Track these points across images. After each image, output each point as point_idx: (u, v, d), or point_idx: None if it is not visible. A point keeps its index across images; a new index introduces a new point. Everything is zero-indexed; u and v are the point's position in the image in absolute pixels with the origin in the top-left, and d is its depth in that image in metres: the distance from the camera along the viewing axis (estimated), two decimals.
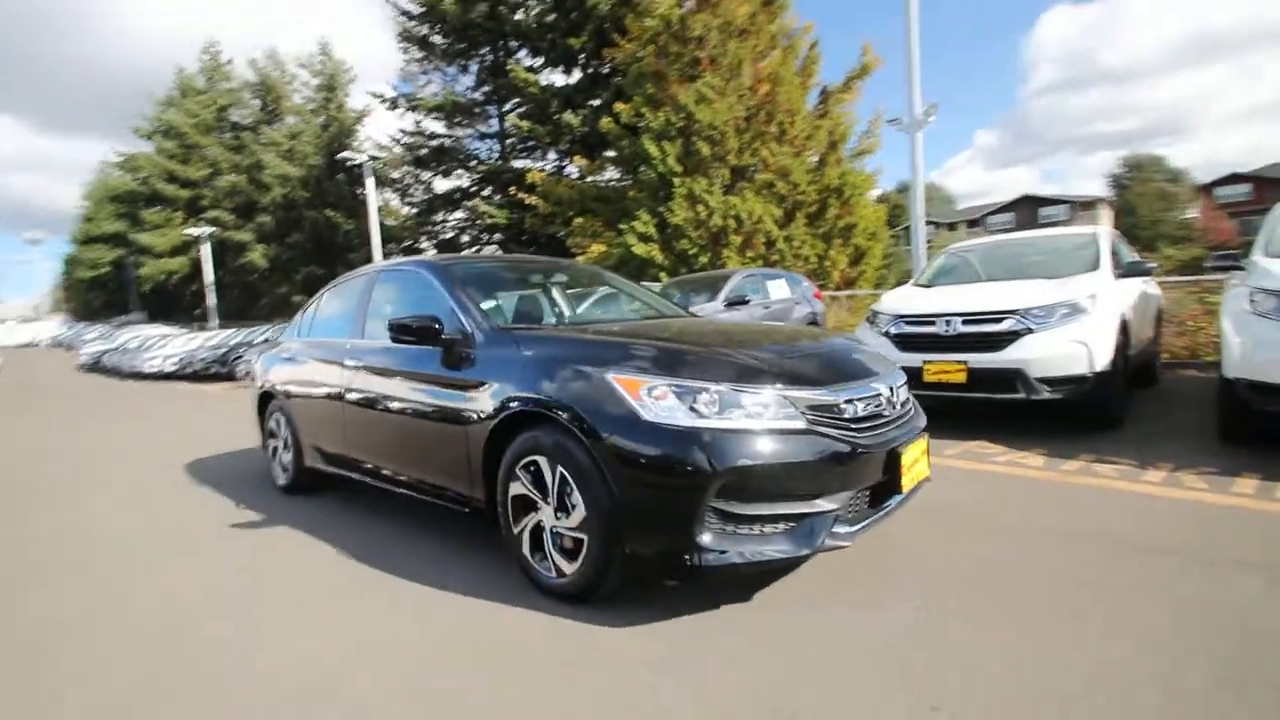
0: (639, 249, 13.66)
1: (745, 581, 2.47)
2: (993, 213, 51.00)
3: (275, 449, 4.47)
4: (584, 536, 2.31)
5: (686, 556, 2.10)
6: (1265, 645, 1.90)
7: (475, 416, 2.69)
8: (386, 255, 22.37)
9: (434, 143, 22.46)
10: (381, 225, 21.13)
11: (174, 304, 34.67)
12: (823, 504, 2.18)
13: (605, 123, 16.07)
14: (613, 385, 2.24)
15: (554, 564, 2.44)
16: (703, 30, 14.36)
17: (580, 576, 2.34)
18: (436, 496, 3.05)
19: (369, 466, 3.50)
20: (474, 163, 22.85)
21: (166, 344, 20.62)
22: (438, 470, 2.98)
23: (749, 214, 12.96)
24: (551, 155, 20.35)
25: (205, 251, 28.00)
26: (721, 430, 2.11)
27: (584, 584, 2.35)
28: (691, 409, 2.15)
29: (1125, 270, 5.47)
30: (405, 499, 3.30)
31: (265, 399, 4.56)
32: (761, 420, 2.15)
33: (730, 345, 2.55)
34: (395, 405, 3.18)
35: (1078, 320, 4.60)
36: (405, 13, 22.62)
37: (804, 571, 2.57)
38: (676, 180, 13.61)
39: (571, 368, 2.41)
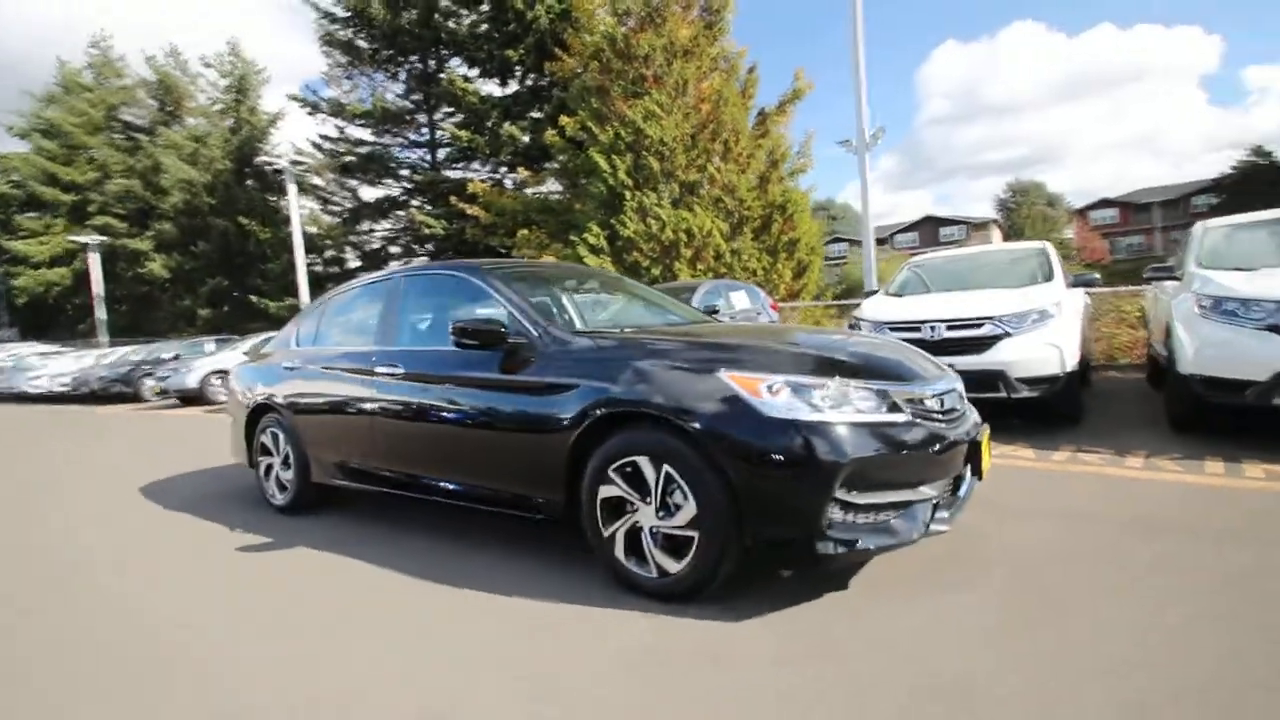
0: (591, 260, 13.68)
1: (836, 572, 2.57)
2: (898, 232, 54.64)
3: (269, 467, 4.17)
4: (694, 534, 2.33)
5: (815, 545, 2.17)
6: None
7: (556, 420, 2.65)
8: (310, 266, 21.23)
9: (362, 150, 21.59)
10: (304, 234, 20.05)
11: (51, 319, 31.15)
12: (926, 491, 2.32)
13: (550, 135, 16.08)
14: (729, 384, 2.30)
15: (655, 564, 2.45)
16: (648, 49, 14.70)
17: (689, 573, 2.36)
18: (498, 504, 2.97)
19: (405, 477, 3.35)
20: (405, 171, 22.15)
21: (48, 363, 18.60)
22: (504, 476, 2.90)
23: (700, 228, 13.31)
24: (489, 167, 20.03)
25: (94, 261, 25.44)
26: (843, 423, 2.21)
27: (693, 581, 2.36)
28: (809, 404, 2.23)
29: (1072, 281, 6.08)
30: (433, 510, 3.19)
31: (256, 415, 4.26)
32: (873, 414, 2.27)
33: (817, 345, 2.67)
34: (448, 412, 3.08)
35: (1048, 325, 5.07)
36: (328, 15, 21.75)
37: (882, 559, 2.70)
38: (627, 194, 13.78)
39: (673, 369, 2.44)
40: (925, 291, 6.42)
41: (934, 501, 2.34)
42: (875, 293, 7.14)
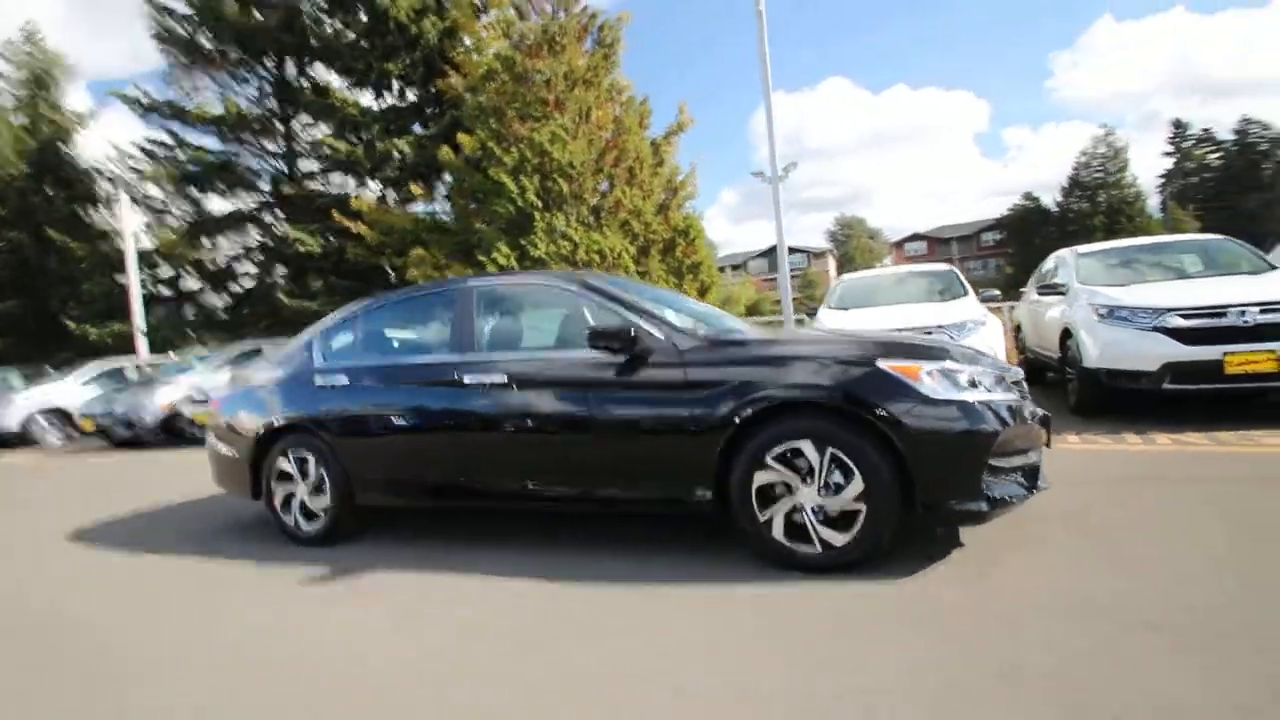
0: (409, 286, 13.46)
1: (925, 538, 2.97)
2: (753, 258, 59.20)
3: (290, 496, 3.77)
4: (861, 507, 2.61)
5: (976, 505, 2.54)
6: None
7: (709, 417, 2.80)
8: (144, 285, 18.51)
9: (209, 158, 19.29)
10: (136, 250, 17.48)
11: None
12: (1033, 456, 2.81)
13: (444, 153, 15.60)
14: (891, 372, 2.62)
15: (819, 540, 2.68)
16: (550, 74, 14.92)
17: (856, 544, 2.63)
18: (638, 506, 3.03)
19: (505, 488, 3.26)
20: (264, 184, 20.13)
21: None
22: (648, 477, 2.97)
23: (611, 249, 13.64)
24: (370, 182, 18.83)
25: None
26: (986, 401, 2.62)
27: (860, 551, 2.63)
28: (958, 386, 2.62)
29: (980, 297, 7.26)
30: (470, 520, 3.16)
31: (268, 441, 3.83)
32: (1001, 392, 2.72)
33: (923, 340, 3.09)
34: (575, 418, 3.08)
35: (980, 332, 6.04)
36: (165, 9, 19.38)
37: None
38: (537, 215, 13.78)
39: (831, 363, 2.72)
40: (863, 305, 7.28)
41: (1039, 463, 2.83)
42: (816, 309, 7.94)
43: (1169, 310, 5.09)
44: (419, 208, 18.27)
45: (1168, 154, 50.61)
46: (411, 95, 19.25)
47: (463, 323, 3.48)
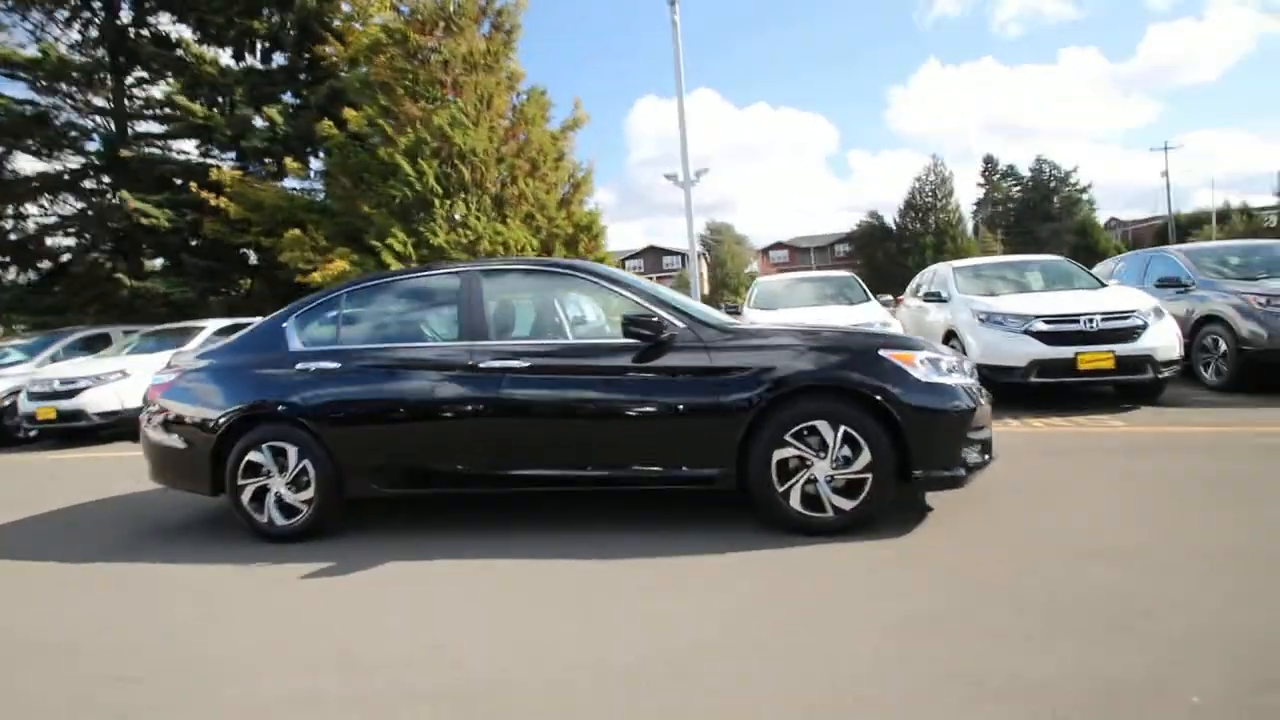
0: (398, 269, 12.76)
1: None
2: (628, 258, 60.29)
3: (261, 490, 3.50)
4: (868, 476, 3.01)
5: (957, 472, 3.04)
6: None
7: (735, 399, 3.06)
8: None
9: (19, 110, 16.23)
10: None
11: None
12: (988, 430, 3.38)
13: (325, 126, 14.45)
14: (892, 359, 3.04)
15: (831, 505, 3.04)
16: (448, 55, 14.37)
17: (862, 508, 3.03)
18: (663, 483, 3.20)
19: (527, 471, 3.30)
20: (90, 145, 17.31)
21: None
22: (676, 456, 3.17)
23: (515, 241, 13.45)
24: (231, 153, 16.82)
25: None
26: (964, 384, 3.13)
27: (864, 514, 3.03)
28: (940, 371, 3.11)
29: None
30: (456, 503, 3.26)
31: (235, 432, 3.52)
32: (969, 376, 3.24)
33: (896, 331, 3.56)
34: (602, 401, 3.20)
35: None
36: None
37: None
38: (437, 201, 13.23)
39: (842, 351, 3.09)
40: (780, 306, 7.94)
41: (991, 437, 3.42)
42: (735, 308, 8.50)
43: (1035, 316, 6.17)
44: (291, 183, 16.71)
45: (980, 185, 58.96)
46: (280, 59, 17.52)
47: (473, 307, 3.44)
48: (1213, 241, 8.98)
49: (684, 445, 3.17)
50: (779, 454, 3.06)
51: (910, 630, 2.17)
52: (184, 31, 16.90)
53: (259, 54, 17.59)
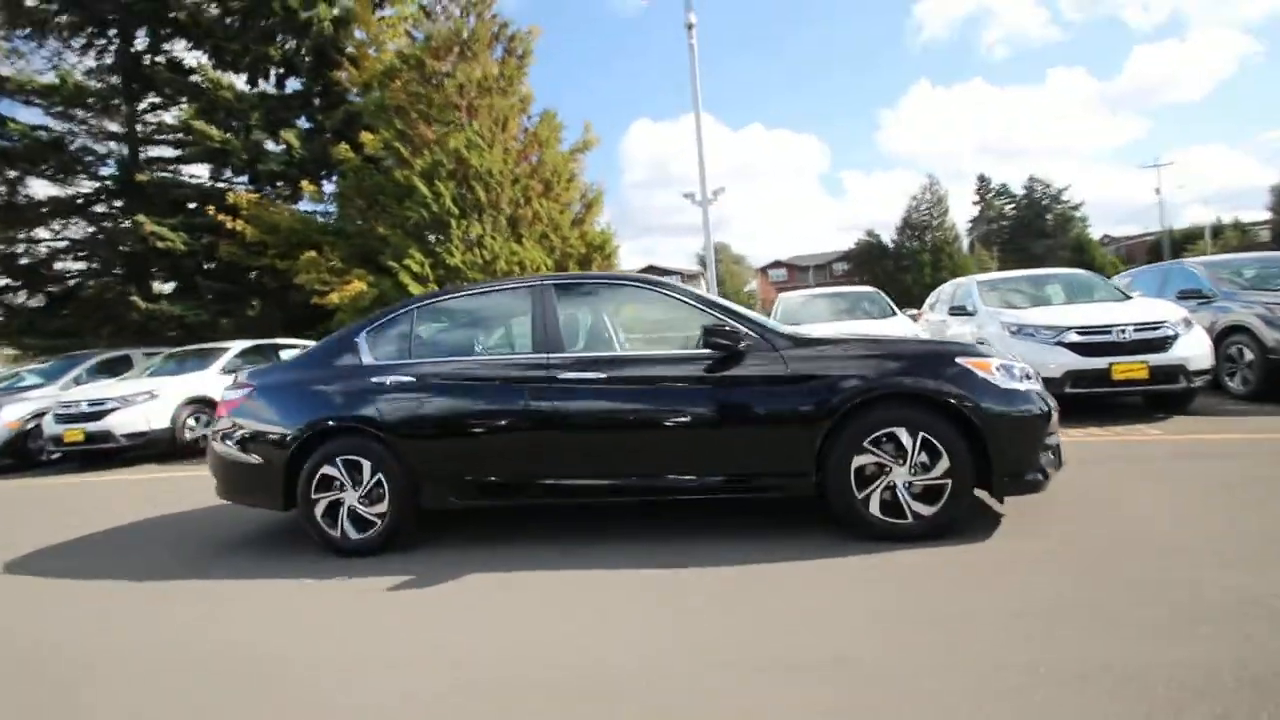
0: (415, 289, 12.84)
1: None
2: None
3: (335, 504, 3.52)
4: (947, 482, 3.05)
5: (1035, 476, 3.08)
6: None
7: (815, 408, 3.11)
8: None
9: (36, 134, 16.40)
10: None
11: None
12: (1057, 436, 3.43)
13: (341, 150, 14.63)
14: (970, 368, 3.10)
15: (910, 512, 3.08)
16: (464, 79, 14.62)
17: (942, 514, 3.06)
18: (737, 490, 3.24)
19: (603, 482, 3.34)
20: (104, 168, 17.46)
21: None
22: (759, 463, 3.21)
23: (530, 261, 13.56)
24: (244, 177, 16.98)
25: None
26: (1035, 390, 3.19)
27: (945, 520, 3.07)
28: (1014, 377, 3.17)
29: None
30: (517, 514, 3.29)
31: (309, 446, 3.55)
32: (1037, 383, 3.30)
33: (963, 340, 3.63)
34: (685, 411, 3.25)
35: None
36: None
37: None
38: (454, 222, 13.37)
39: (919, 360, 3.16)
40: (807, 320, 8.03)
41: (1059, 442, 3.47)
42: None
43: (1068, 328, 6.26)
44: (306, 206, 16.85)
45: (975, 203, 59.77)
46: (295, 84, 17.78)
47: (547, 320, 3.50)
48: (1226, 255, 9.07)
49: (763, 453, 3.21)
50: (858, 460, 3.11)
51: (1031, 622, 2.20)
52: (199, 58, 17.19)
53: (274, 79, 17.85)
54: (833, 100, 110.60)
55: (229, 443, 3.76)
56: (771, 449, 3.20)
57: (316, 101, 17.52)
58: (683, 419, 3.26)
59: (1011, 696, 1.80)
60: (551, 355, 3.43)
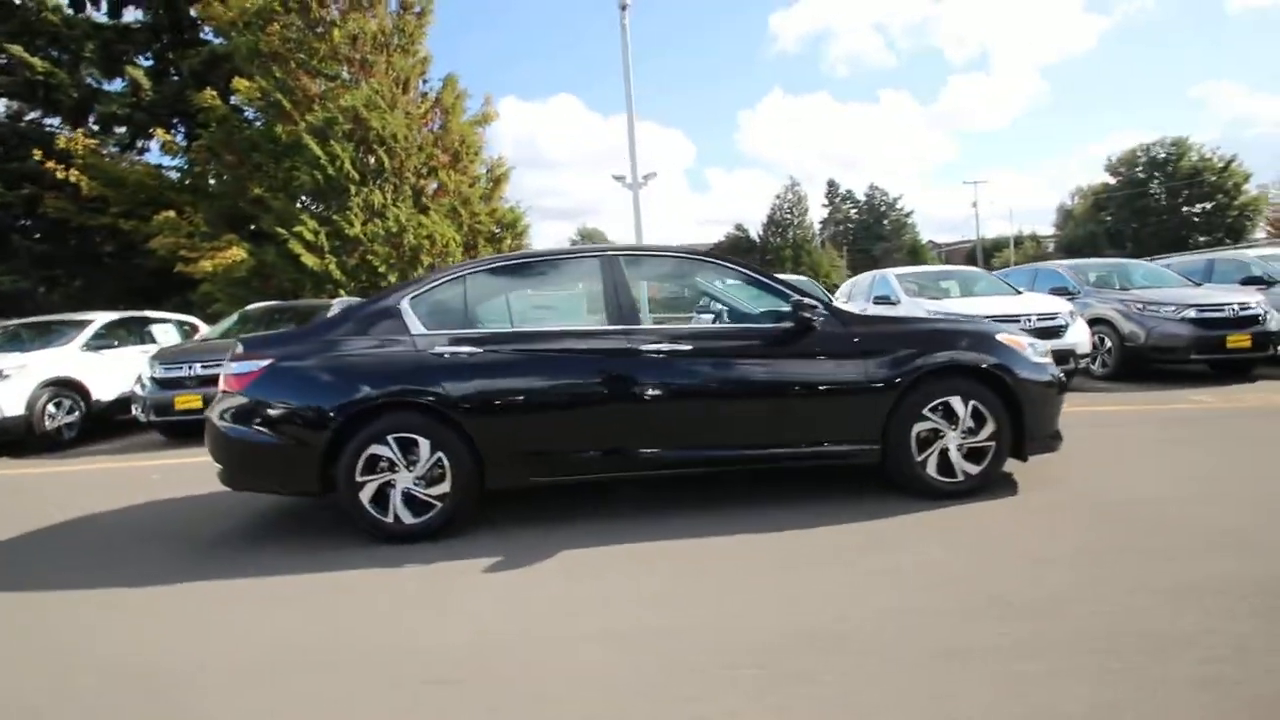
0: (309, 260, 11.60)
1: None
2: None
3: (386, 486, 3.20)
4: (991, 444, 3.45)
5: (1056, 438, 3.58)
6: None
7: (883, 380, 3.36)
8: None
9: None
10: None
11: None
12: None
13: (206, 96, 12.78)
14: (1008, 344, 3.51)
15: (961, 471, 3.45)
16: (356, 30, 13.33)
17: (986, 473, 3.45)
18: (809, 459, 3.40)
19: (678, 453, 3.34)
20: None
21: None
22: (831, 433, 3.37)
23: (440, 235, 12.79)
24: (72, 119, 14.09)
25: None
26: (1052, 365, 3.69)
27: (987, 478, 3.47)
28: (1039, 353, 3.64)
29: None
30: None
31: (354, 424, 3.19)
32: (1049, 355, 3.81)
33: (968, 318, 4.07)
34: (767, 383, 3.34)
35: None
36: None
37: None
38: (353, 188, 12.22)
39: (971, 336, 3.50)
40: None
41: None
42: None
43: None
44: (158, 161, 14.49)
45: (825, 206, 65.24)
46: (135, 14, 15.11)
47: (620, 292, 3.41)
48: (1081, 259, 10.85)
49: (837, 422, 3.40)
50: (918, 427, 3.41)
51: (1083, 561, 2.58)
52: None
53: (105, 6, 15.04)
54: (698, 100, 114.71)
55: (245, 423, 3.25)
56: (846, 418, 3.40)
57: (165, 38, 15.05)
58: (760, 391, 3.36)
59: (1123, 602, 2.12)
60: (631, 327, 3.36)
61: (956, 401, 3.40)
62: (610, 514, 3.52)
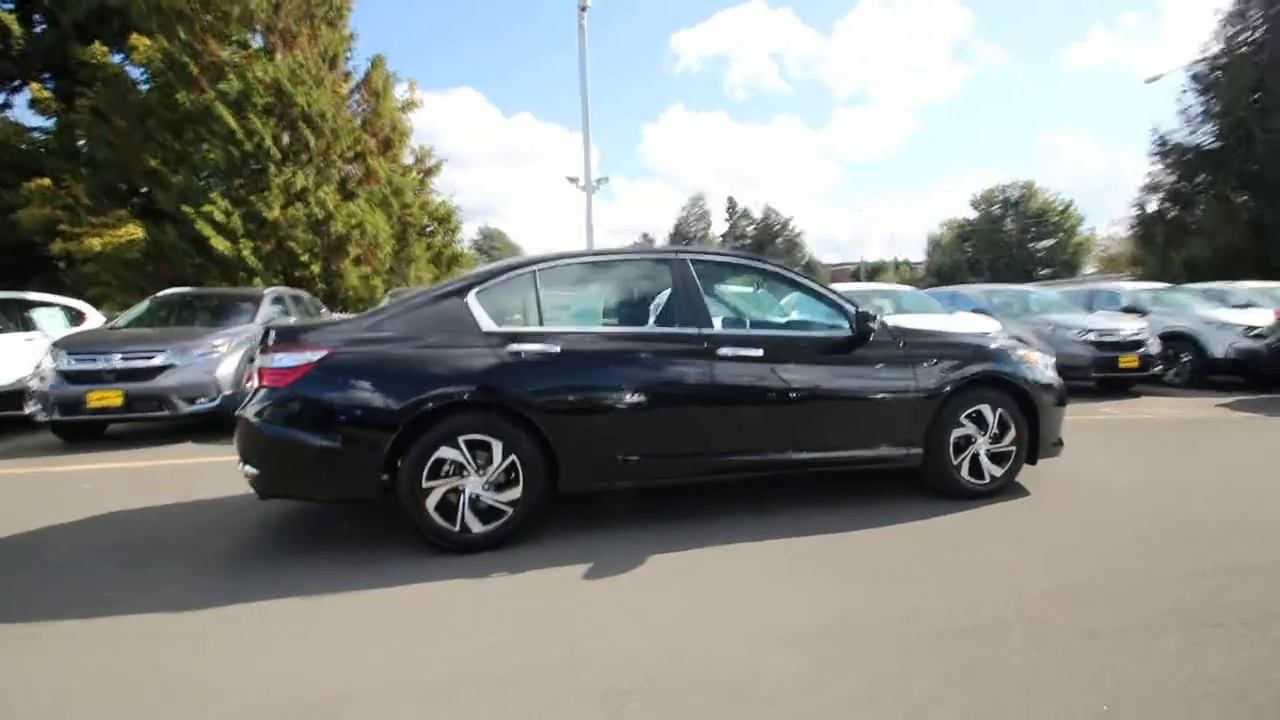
0: (219, 244, 10.45)
1: None
2: None
3: (454, 492, 2.98)
4: (1014, 449, 3.80)
5: (1060, 444, 3.99)
6: None
7: (925, 387, 3.61)
8: None
9: None
10: None
11: None
12: None
13: (96, 51, 11.21)
14: (1027, 358, 3.88)
15: (988, 474, 3.76)
16: None
17: (1009, 475, 3.79)
18: (863, 463, 3.57)
19: (745, 457, 3.38)
20: None
21: None
22: (882, 438, 3.55)
23: (372, 225, 11.99)
24: None
25: None
26: (1057, 377, 4.11)
27: (1008, 480, 3.81)
28: (1047, 367, 4.05)
29: None
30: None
31: (420, 426, 2.96)
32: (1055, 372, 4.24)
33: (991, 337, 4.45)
34: (827, 389, 3.44)
35: None
36: None
37: None
38: (273, 167, 11.17)
39: (1001, 350, 3.84)
40: None
41: None
42: None
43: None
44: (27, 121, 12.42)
45: (725, 220, 67.99)
46: None
47: (692, 294, 3.40)
48: (987, 285, 12.08)
49: (890, 427, 3.60)
50: (955, 433, 3.70)
51: (1125, 548, 2.95)
52: None
53: None
54: (605, 105, 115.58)
55: (294, 422, 2.90)
56: (898, 424, 3.61)
57: None
58: (824, 396, 3.49)
59: (1191, 581, 2.44)
60: (704, 330, 3.37)
61: (986, 409, 3.70)
62: (632, 520, 3.47)
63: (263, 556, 3.06)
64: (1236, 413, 6.80)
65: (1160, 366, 8.51)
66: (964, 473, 3.67)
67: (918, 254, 57.26)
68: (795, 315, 4.22)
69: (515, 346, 3.10)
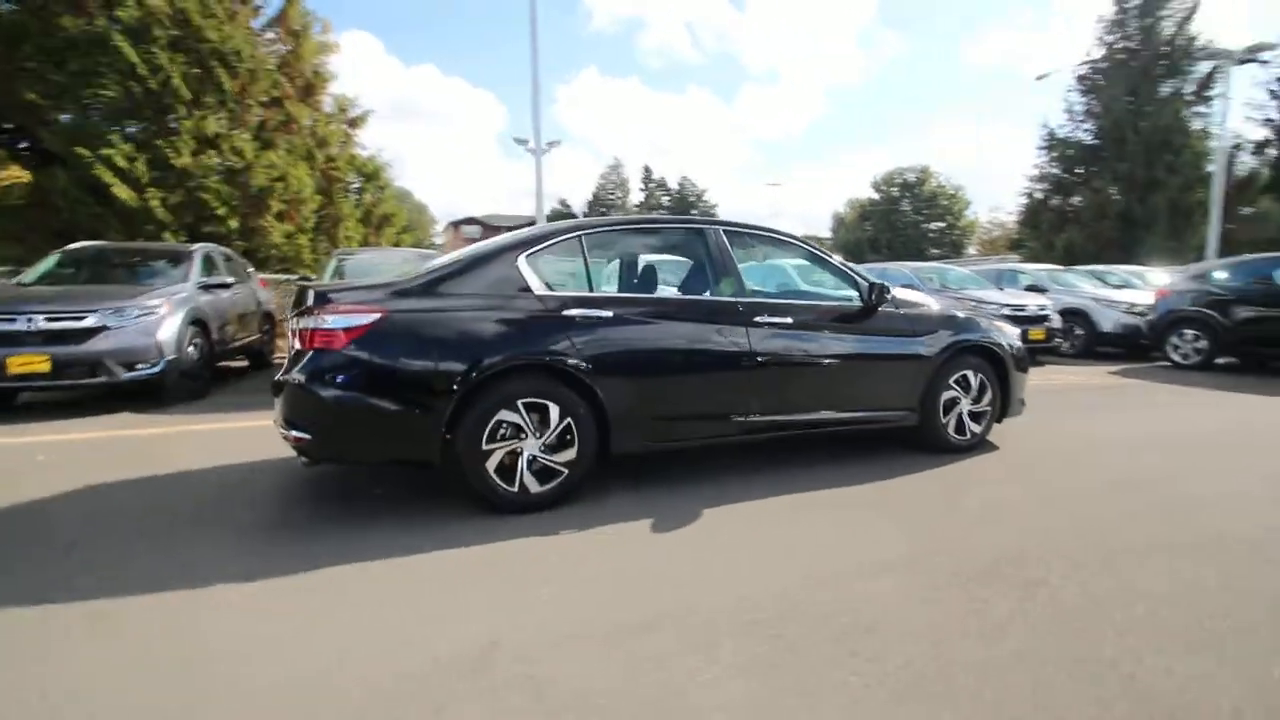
0: (122, 193, 9.34)
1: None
2: None
3: (513, 454, 3.01)
4: (988, 409, 4.28)
5: (1023, 403, 4.52)
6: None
7: (925, 354, 3.98)
8: None
9: None
10: None
11: None
12: None
13: None
14: (1002, 329, 4.35)
15: (969, 431, 4.23)
16: None
17: (985, 432, 4.27)
18: (868, 424, 3.90)
19: (774, 419, 3.61)
20: None
21: None
22: (889, 401, 3.90)
23: (294, 177, 11.11)
24: None
25: None
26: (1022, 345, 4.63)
27: (984, 435, 4.31)
28: (1016, 336, 4.55)
29: None
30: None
31: (478, 389, 2.95)
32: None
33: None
34: (845, 355, 3.72)
35: None
36: None
37: None
38: (182, 109, 10.05)
39: (980, 322, 4.27)
40: None
41: None
42: None
43: None
44: None
45: (641, 190, 68.01)
46: None
47: (727, 263, 3.55)
48: (921, 263, 12.99)
49: (895, 390, 3.95)
50: (945, 395, 4.12)
51: (1104, 490, 3.47)
52: None
53: None
54: (513, 63, 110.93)
55: (349, 385, 2.79)
56: (902, 386, 3.97)
57: None
58: (845, 362, 3.78)
59: (1140, 509, 2.96)
60: (741, 298, 3.54)
61: (970, 374, 4.15)
62: (663, 481, 3.66)
63: (307, 524, 2.95)
64: (1128, 379, 7.86)
65: (1059, 339, 9.63)
66: (950, 430, 4.10)
67: (826, 231, 60.01)
68: (804, 286, 4.49)
69: (570, 311, 3.13)
